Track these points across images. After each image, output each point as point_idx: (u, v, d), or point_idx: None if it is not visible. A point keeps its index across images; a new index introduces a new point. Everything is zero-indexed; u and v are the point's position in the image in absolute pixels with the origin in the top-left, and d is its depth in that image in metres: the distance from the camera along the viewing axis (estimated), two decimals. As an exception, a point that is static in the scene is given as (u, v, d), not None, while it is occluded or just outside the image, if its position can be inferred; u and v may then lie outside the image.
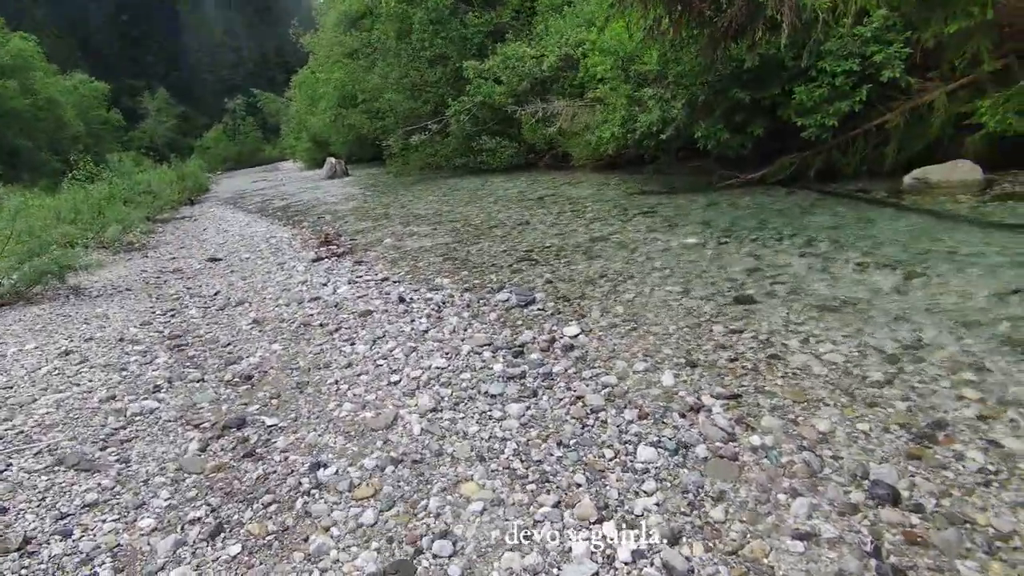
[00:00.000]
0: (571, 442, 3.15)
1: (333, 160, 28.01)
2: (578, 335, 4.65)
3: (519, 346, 4.57)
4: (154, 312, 6.68)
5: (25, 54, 31.93)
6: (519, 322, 5.14)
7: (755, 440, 2.99)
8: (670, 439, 3.07)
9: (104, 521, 2.77)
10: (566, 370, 4.05)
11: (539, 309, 5.39)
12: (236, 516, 2.78)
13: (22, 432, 3.67)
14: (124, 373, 4.69)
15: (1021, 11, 7.12)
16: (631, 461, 2.93)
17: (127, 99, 59.51)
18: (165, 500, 2.91)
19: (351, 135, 30.99)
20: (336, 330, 5.38)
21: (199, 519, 2.76)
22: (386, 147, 21.04)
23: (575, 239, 8.01)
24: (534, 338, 4.67)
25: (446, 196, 14.95)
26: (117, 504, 2.89)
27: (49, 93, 32.82)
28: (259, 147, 71.37)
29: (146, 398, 4.20)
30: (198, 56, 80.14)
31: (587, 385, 3.78)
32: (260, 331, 5.61)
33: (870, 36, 7.40)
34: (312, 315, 5.91)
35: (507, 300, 5.75)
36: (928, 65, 7.92)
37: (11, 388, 4.45)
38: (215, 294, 7.35)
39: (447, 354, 4.52)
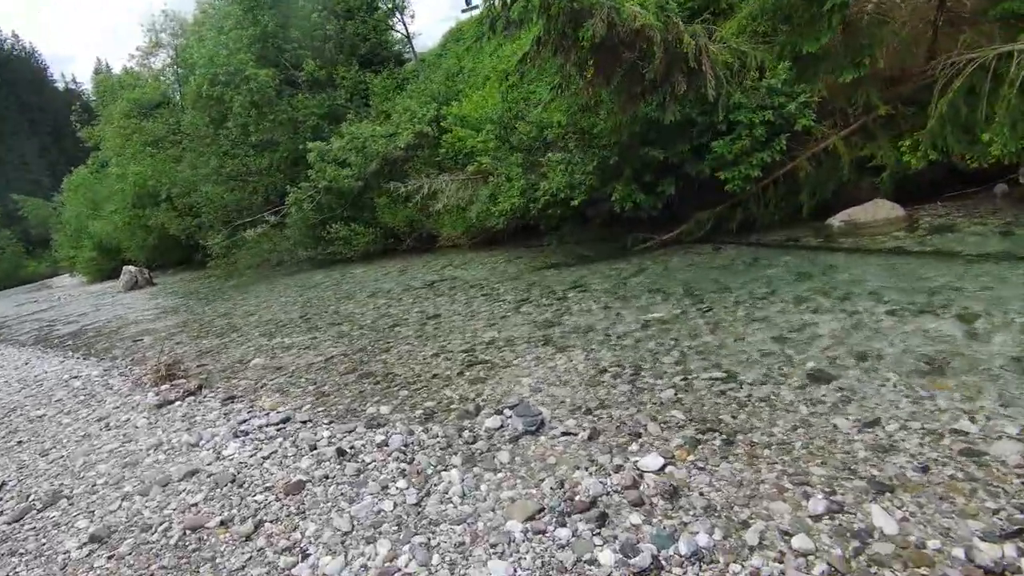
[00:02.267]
0: None
1: (133, 269, 23.45)
2: (665, 467, 3.17)
3: (590, 503, 2.95)
4: None
5: None
6: (551, 460, 3.51)
7: None
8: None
9: None
10: (710, 536, 2.55)
11: (563, 433, 3.82)
12: None
13: None
14: None
15: (899, 62, 7.61)
16: None
17: None
18: None
19: (151, 237, 26.46)
20: (256, 529, 3.25)
21: None
22: (208, 247, 17.90)
23: (517, 329, 6.59)
24: (603, 485, 3.09)
25: (304, 295, 12.65)
26: None
27: None
28: (21, 264, 59.36)
29: None
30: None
31: (779, 565, 2.31)
32: (111, 558, 3.22)
33: (779, 88, 7.40)
34: (198, 505, 3.65)
35: (503, 426, 4.09)
36: (821, 114, 8.12)
37: None
38: (-3, 489, 4.55)
39: (494, 547, 2.73)
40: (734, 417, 3.63)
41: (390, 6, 19.49)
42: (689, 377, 4.37)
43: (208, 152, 18.86)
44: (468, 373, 5.47)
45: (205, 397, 6.17)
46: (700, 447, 3.34)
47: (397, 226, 15.42)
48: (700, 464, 3.16)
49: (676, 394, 4.13)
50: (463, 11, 27.07)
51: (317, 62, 18.81)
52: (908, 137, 7.25)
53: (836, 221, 7.51)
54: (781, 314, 5.31)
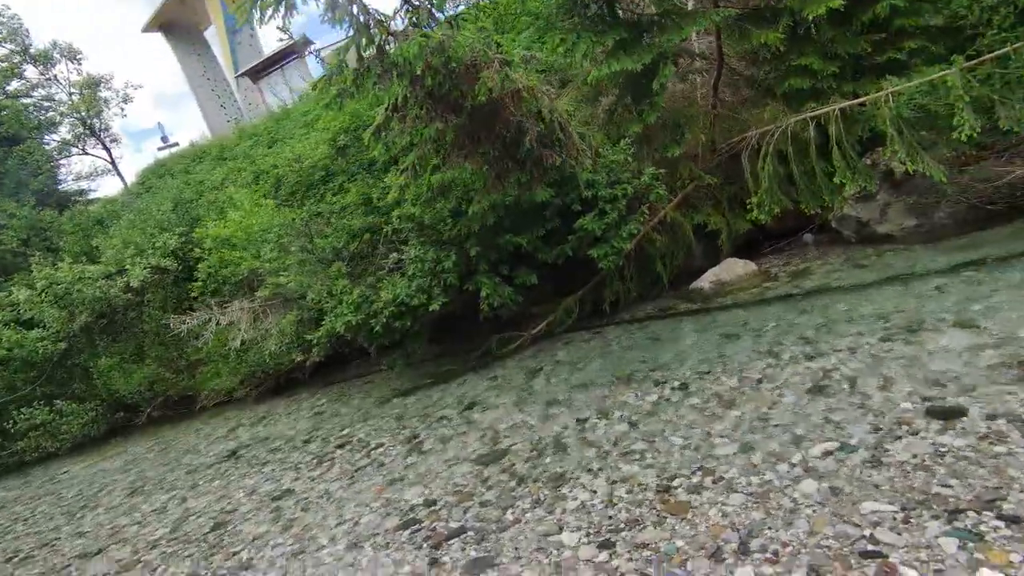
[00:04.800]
0: None
1: None
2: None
3: None
4: None
5: None
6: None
7: None
8: None
9: None
10: None
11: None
12: None
13: None
14: None
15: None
16: None
17: None
18: None
19: None
20: None
21: None
22: None
23: (454, 474, 4.76)
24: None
25: (18, 526, 7.97)
26: None
27: None
28: None
29: None
30: None
31: None
32: None
33: (626, 164, 7.42)
34: None
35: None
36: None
37: None
38: None
39: None
40: (939, 482, 2.67)
41: (82, 131, 15.71)
42: (794, 461, 3.31)
43: None
44: (447, 557, 3.46)
45: None
46: (976, 537, 2.27)
47: (132, 393, 11.34)
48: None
49: (819, 484, 3.01)
50: (160, 149, 24.11)
51: (-34, 203, 13.86)
52: (723, 202, 7.98)
53: (705, 284, 7.60)
54: (774, 369, 4.71)
